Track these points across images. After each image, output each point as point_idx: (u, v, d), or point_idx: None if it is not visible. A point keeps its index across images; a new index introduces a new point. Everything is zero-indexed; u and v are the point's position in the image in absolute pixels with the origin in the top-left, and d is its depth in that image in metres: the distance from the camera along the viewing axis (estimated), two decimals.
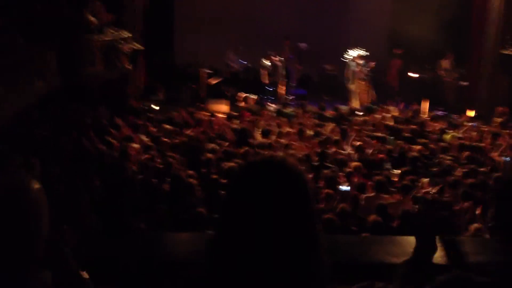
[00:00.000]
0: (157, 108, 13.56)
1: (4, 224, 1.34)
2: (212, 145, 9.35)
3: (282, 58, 15.67)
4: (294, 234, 1.34)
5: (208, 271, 1.40)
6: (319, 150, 9.48)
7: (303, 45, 16.32)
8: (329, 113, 12.85)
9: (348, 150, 9.98)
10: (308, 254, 1.36)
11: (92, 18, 12.05)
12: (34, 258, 1.40)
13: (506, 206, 1.61)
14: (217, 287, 1.37)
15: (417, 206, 7.03)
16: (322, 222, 5.48)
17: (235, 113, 12.57)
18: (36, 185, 1.45)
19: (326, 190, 7.19)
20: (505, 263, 1.76)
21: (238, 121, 11.62)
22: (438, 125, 11.97)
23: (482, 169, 8.68)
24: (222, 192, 7.23)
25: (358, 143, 9.86)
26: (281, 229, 1.33)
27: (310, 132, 10.77)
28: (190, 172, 7.85)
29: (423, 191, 7.60)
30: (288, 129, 10.77)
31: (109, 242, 3.16)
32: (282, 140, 10.07)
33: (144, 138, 9.99)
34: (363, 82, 15.22)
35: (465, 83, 15.82)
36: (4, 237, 1.34)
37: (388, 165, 9.07)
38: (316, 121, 11.88)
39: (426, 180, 7.96)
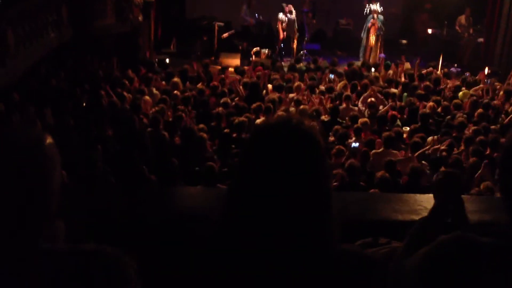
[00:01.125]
0: (168, 61, 13.51)
1: (17, 181, 1.32)
2: (223, 99, 9.34)
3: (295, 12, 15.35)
4: (307, 194, 1.39)
5: (221, 225, 1.45)
6: (330, 106, 9.45)
7: None
8: (341, 68, 12.72)
9: (360, 106, 9.93)
10: (320, 214, 1.41)
11: None
12: (47, 215, 1.39)
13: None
14: (228, 242, 1.42)
15: (424, 163, 7.04)
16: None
17: (247, 67, 12.48)
18: (49, 140, 1.41)
19: (337, 146, 7.20)
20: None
21: (249, 75, 11.56)
22: (452, 82, 11.82)
23: (493, 126, 8.64)
24: (233, 146, 7.28)
25: (370, 99, 9.78)
26: (294, 190, 1.37)
27: (321, 88, 10.71)
28: (201, 125, 7.89)
29: (433, 148, 7.58)
30: (299, 84, 10.70)
31: (121, 195, 3.22)
32: (294, 95, 10.03)
33: (155, 91, 9.99)
34: (375, 38, 14.92)
35: (480, 39, 15.56)
36: (17, 194, 1.32)
37: (398, 122, 9.04)
38: (328, 76, 11.78)
39: (435, 137, 7.93)
